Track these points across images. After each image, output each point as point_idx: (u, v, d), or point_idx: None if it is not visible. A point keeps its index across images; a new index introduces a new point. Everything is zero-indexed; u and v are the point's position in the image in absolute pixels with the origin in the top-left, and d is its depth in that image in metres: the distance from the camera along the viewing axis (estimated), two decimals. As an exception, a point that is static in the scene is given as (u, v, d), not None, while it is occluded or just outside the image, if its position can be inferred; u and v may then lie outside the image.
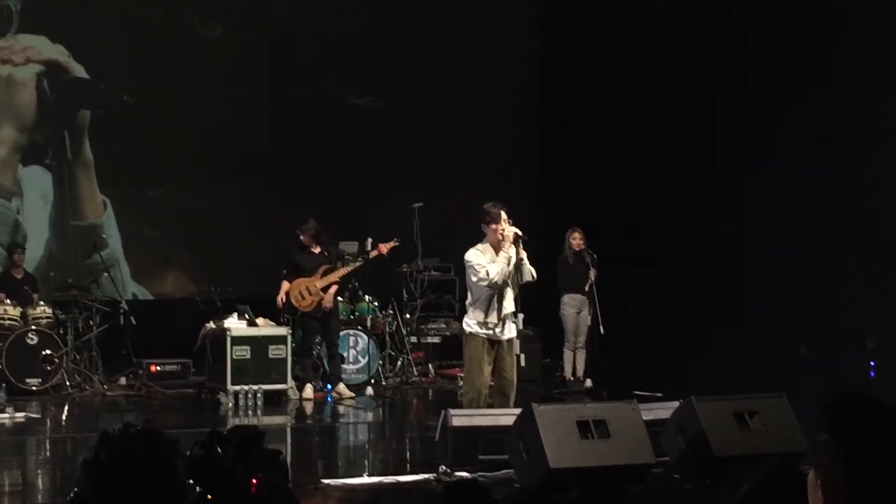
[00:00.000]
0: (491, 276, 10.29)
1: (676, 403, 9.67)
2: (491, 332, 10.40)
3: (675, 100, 16.47)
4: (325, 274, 14.60)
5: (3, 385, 13.91)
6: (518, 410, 9.37)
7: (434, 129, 18.29)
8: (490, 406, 10.28)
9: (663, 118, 16.58)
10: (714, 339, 15.16)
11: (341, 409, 14.25)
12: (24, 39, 16.98)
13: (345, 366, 15.19)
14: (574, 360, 15.22)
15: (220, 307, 15.46)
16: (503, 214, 10.43)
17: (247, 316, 14.75)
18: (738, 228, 15.76)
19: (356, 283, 15.76)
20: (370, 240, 15.31)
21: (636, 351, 15.57)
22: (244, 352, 14.26)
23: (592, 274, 14.92)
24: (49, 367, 14.51)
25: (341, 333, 15.15)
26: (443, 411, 9.87)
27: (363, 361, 15.52)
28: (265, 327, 14.69)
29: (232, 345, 14.24)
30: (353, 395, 14.69)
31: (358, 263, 15.01)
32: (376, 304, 16.04)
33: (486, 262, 10.36)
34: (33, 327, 14.67)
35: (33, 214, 17.05)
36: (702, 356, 14.88)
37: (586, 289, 14.96)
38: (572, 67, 17.90)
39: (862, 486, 2.63)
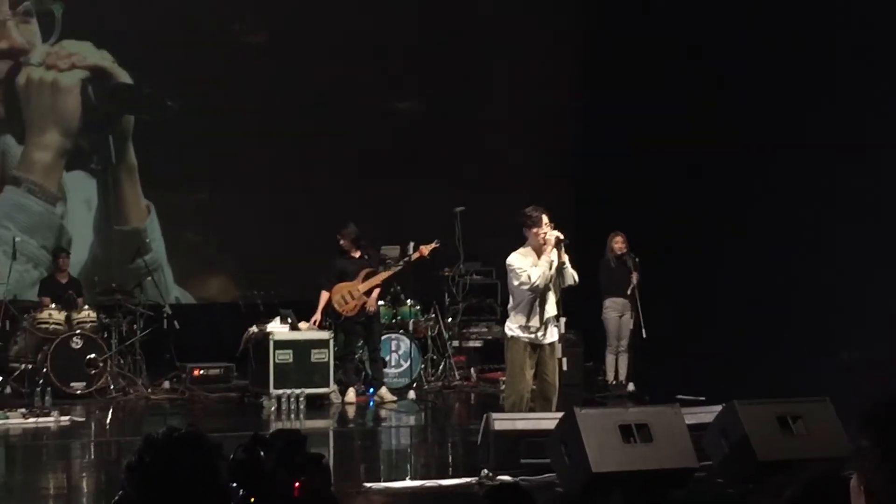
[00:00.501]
0: (533, 279, 10.28)
1: (719, 407, 9.60)
2: (533, 335, 10.39)
3: (717, 100, 16.32)
4: (367, 278, 14.62)
5: (49, 389, 14.05)
6: (560, 414, 9.33)
7: (474, 133, 18.26)
8: (532, 410, 10.26)
9: (705, 119, 16.42)
10: (757, 343, 15.04)
11: (383, 412, 14.26)
12: (69, 45, 17.12)
13: (387, 370, 15.22)
14: (616, 364, 15.20)
15: (262, 311, 15.53)
16: (545, 218, 10.42)
17: (289, 320, 14.79)
18: (781, 233, 15.61)
19: (398, 287, 15.78)
20: (412, 243, 15.27)
21: (679, 354, 15.46)
22: (287, 356, 14.30)
23: (635, 277, 14.90)
24: (93, 371, 14.60)
25: (383, 337, 15.18)
26: (485, 415, 9.85)
27: (405, 365, 15.54)
28: (307, 331, 14.71)
29: (274, 349, 14.29)
30: (395, 398, 14.69)
31: (399, 267, 15.00)
32: (418, 307, 16.06)
33: (528, 265, 10.35)
34: (78, 331, 14.76)
35: (77, 219, 17.17)
36: (745, 360, 14.77)
37: (628, 292, 14.94)
38: (613, 70, 17.84)
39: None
